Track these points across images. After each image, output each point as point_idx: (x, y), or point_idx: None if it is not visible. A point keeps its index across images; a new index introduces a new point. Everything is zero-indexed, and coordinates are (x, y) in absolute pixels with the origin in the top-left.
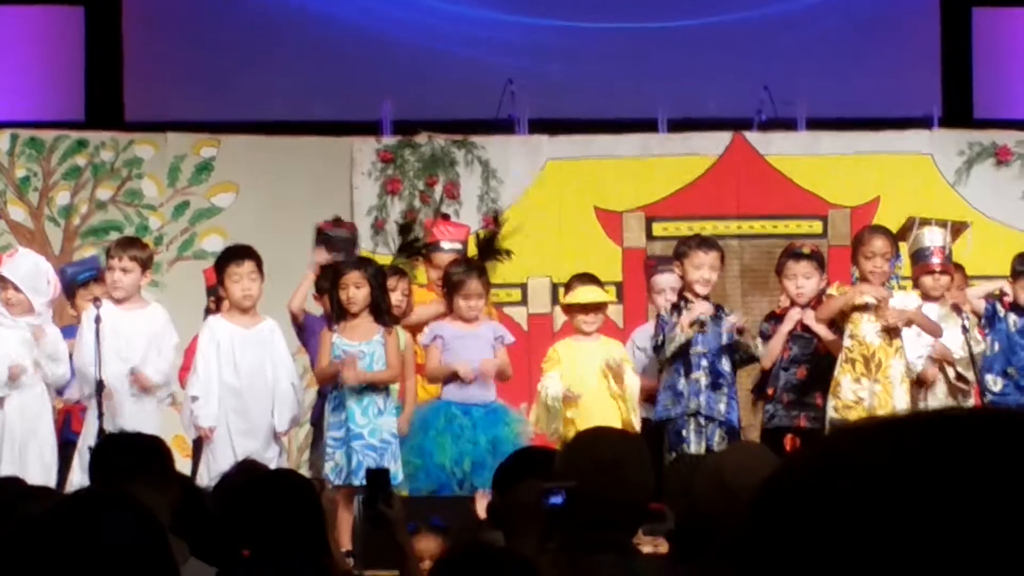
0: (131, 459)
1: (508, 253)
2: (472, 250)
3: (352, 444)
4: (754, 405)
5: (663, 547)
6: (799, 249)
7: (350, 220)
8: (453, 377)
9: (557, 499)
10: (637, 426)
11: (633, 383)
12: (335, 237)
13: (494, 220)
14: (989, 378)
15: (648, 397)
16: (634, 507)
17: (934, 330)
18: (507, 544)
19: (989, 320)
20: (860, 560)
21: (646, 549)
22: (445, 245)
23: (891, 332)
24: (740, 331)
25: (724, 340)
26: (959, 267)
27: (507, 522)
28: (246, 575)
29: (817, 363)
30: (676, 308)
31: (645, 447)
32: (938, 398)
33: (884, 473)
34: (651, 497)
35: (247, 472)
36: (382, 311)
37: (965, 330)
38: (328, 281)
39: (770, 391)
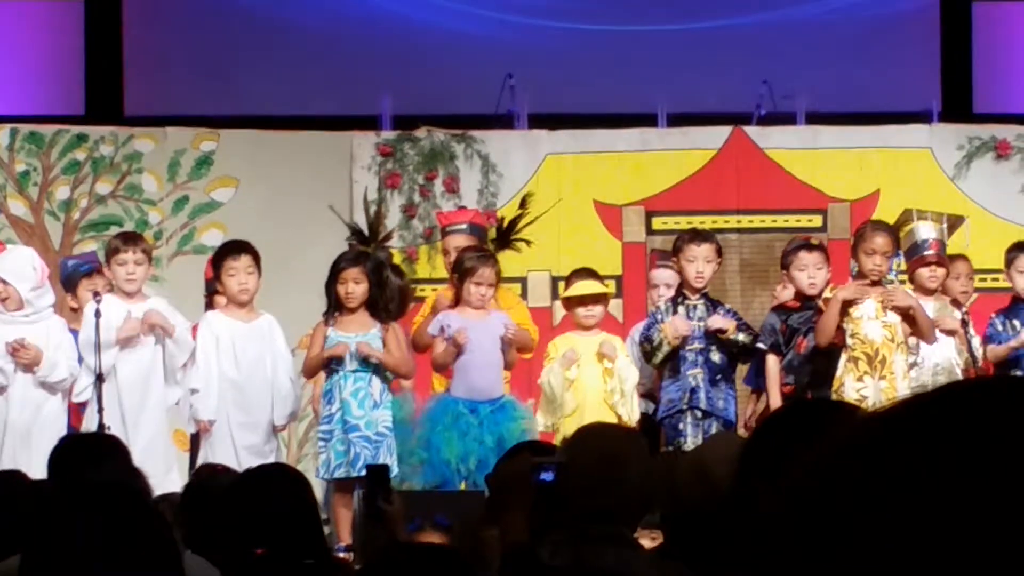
0: (91, 458)
1: (528, 243)
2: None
3: (349, 436)
4: (753, 394)
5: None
6: (809, 240)
7: (351, 216)
8: (458, 356)
9: (548, 475)
10: (635, 419)
11: (630, 374)
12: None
13: (521, 203)
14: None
15: (645, 392)
16: (635, 501)
17: (928, 330)
18: (499, 524)
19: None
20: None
21: (644, 542)
22: (453, 227)
23: (892, 329)
24: (720, 331)
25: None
26: (965, 259)
27: (496, 500)
28: (252, 573)
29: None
30: (674, 303)
31: (645, 442)
32: None
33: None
34: (652, 491)
35: (208, 478)
36: (379, 307)
37: (964, 324)
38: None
39: (787, 389)
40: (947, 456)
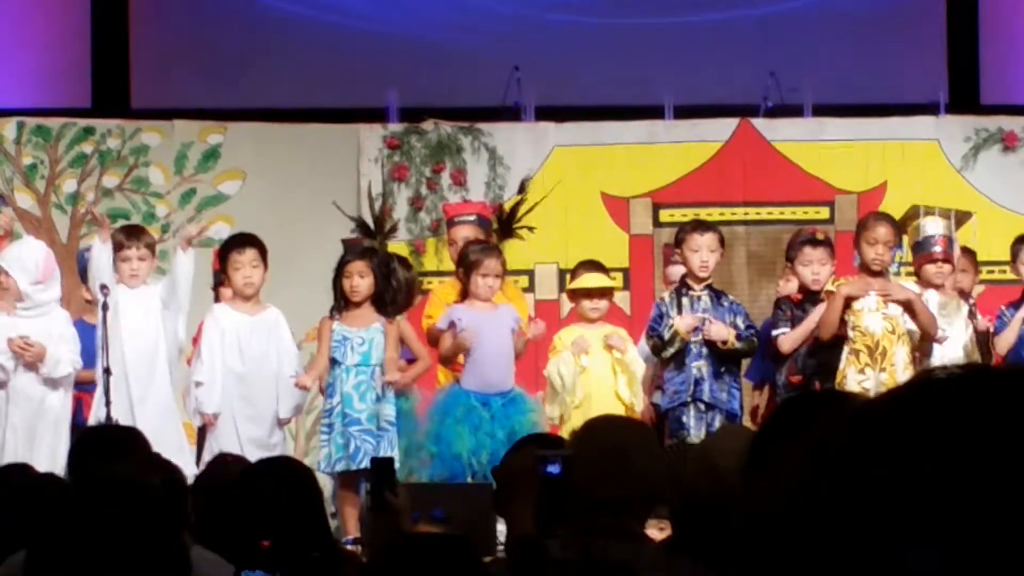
0: (110, 449)
1: (531, 229)
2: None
3: (350, 430)
4: (756, 389)
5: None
6: (814, 235)
7: (357, 207)
8: (467, 354)
9: (554, 468)
10: (640, 410)
11: (639, 366)
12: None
13: (520, 188)
14: None
15: (659, 385)
16: (643, 494)
17: (929, 323)
18: (506, 517)
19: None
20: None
21: (652, 533)
22: (461, 218)
23: (893, 321)
24: (724, 342)
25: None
26: (971, 253)
27: (503, 493)
28: (259, 565)
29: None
30: (678, 293)
31: (654, 434)
32: None
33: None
34: (661, 484)
35: (220, 468)
36: (385, 301)
37: (972, 315)
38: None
39: (796, 379)
40: (933, 445)
